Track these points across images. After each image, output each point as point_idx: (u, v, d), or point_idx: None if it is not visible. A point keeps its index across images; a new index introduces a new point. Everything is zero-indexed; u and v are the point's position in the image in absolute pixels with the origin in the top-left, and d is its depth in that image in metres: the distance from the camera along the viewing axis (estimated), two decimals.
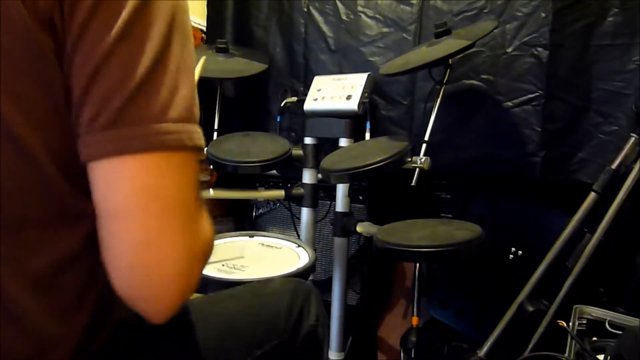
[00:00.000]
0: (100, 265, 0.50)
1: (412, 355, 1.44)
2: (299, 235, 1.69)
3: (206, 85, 1.69)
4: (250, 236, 1.36)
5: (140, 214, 0.43)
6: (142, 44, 0.42)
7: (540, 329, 1.25)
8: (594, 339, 1.08)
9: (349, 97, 1.50)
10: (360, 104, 1.48)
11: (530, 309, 1.28)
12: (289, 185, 1.71)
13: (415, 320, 1.48)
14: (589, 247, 1.22)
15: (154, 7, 0.43)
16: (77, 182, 0.45)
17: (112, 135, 0.42)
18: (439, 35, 1.37)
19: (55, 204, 0.46)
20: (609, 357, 0.95)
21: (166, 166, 0.44)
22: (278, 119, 1.80)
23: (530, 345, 1.25)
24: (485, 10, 1.45)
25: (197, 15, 1.91)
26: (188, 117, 0.45)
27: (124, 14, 0.41)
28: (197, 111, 0.47)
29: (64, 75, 0.43)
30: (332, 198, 1.59)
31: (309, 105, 1.59)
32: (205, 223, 0.49)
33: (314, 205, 1.60)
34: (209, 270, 1.10)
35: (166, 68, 0.44)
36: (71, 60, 0.42)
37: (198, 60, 0.89)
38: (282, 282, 0.81)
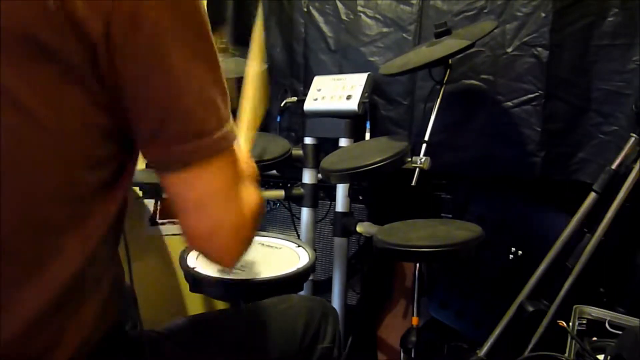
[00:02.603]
0: (107, 269, 0.53)
1: (412, 355, 1.43)
2: (299, 235, 1.69)
3: None
4: None
5: (214, 203, 0.54)
6: (195, 52, 0.50)
7: (540, 329, 1.25)
8: (594, 339, 1.08)
9: (349, 97, 1.50)
10: (360, 104, 1.48)
11: (530, 309, 1.28)
12: (289, 185, 1.71)
13: (415, 320, 1.48)
14: (589, 247, 1.22)
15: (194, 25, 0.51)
16: (90, 159, 0.49)
17: (196, 145, 0.51)
18: (439, 35, 1.37)
19: (70, 210, 0.48)
20: (609, 357, 0.95)
21: (225, 164, 0.54)
22: (278, 119, 1.80)
23: (530, 345, 1.25)
24: (485, 10, 1.45)
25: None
26: (229, 117, 0.55)
27: (178, 49, 0.48)
28: (228, 100, 0.56)
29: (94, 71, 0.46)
30: (332, 198, 1.59)
31: (309, 105, 1.59)
32: (252, 196, 0.60)
33: (314, 205, 1.60)
34: (209, 270, 1.10)
35: (216, 71, 0.54)
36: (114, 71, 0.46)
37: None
38: (298, 300, 0.80)
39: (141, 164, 0.57)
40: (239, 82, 1.89)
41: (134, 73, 0.46)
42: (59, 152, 0.46)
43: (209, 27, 0.52)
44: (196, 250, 0.65)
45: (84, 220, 0.49)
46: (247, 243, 0.60)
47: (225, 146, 0.53)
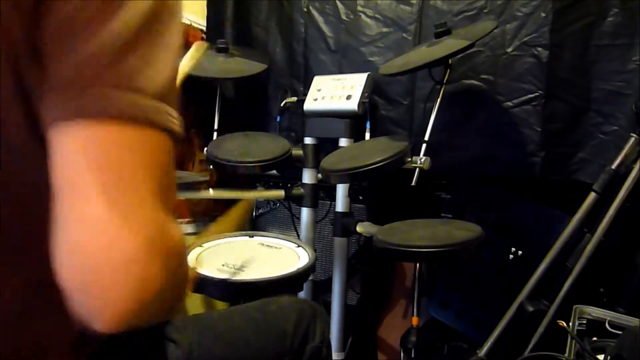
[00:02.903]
0: None
1: (412, 355, 1.44)
2: (299, 235, 1.69)
3: (206, 85, 1.69)
4: (250, 236, 1.36)
5: (104, 187, 0.37)
6: (122, 11, 0.38)
7: (540, 329, 1.25)
8: (594, 339, 1.08)
9: (349, 97, 1.50)
10: (360, 104, 1.48)
11: (530, 309, 1.28)
12: (289, 185, 1.71)
13: (415, 320, 1.48)
14: (589, 247, 1.22)
15: None
16: None
17: (68, 96, 0.37)
18: (439, 35, 1.37)
19: (42, 202, 0.42)
20: (609, 357, 0.96)
21: (127, 140, 0.38)
22: (278, 119, 1.80)
23: (530, 345, 1.25)
24: (485, 10, 1.45)
25: (197, 15, 1.91)
26: (162, 96, 0.40)
27: None
28: (174, 99, 0.43)
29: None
30: (332, 198, 1.59)
31: (309, 105, 1.59)
32: (173, 224, 0.42)
33: (314, 205, 1.60)
34: (209, 270, 1.10)
35: (143, 39, 0.39)
36: (43, 21, 0.38)
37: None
38: (288, 301, 0.81)
39: None
40: (238, 81, 1.90)
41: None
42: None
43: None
44: (62, 280, 0.39)
45: None
46: (149, 290, 0.38)
47: (155, 121, 0.40)
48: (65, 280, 0.38)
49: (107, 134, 0.38)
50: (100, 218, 0.37)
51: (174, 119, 0.42)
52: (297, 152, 1.56)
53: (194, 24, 1.90)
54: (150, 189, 0.40)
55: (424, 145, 1.31)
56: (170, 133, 0.41)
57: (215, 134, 1.64)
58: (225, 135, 1.59)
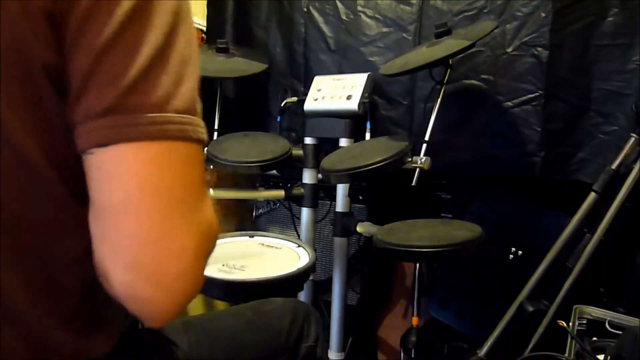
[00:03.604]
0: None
1: (412, 355, 1.44)
2: (299, 235, 1.69)
3: (206, 85, 1.69)
4: (250, 236, 1.36)
5: (142, 209, 0.41)
6: (145, 32, 0.41)
7: (540, 329, 1.25)
8: (594, 339, 1.08)
9: (349, 97, 1.50)
10: (360, 104, 1.48)
11: (530, 309, 1.28)
12: (289, 185, 1.70)
13: (415, 320, 1.48)
14: (589, 247, 1.22)
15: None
16: (77, 188, 0.44)
17: (110, 121, 0.40)
18: (439, 35, 1.37)
19: (54, 210, 0.45)
20: (609, 357, 0.95)
21: (169, 158, 0.42)
22: (278, 119, 1.80)
23: (530, 345, 1.25)
24: (485, 10, 1.45)
25: (197, 15, 1.91)
26: (192, 110, 0.44)
27: (125, 5, 0.40)
28: (200, 107, 0.46)
29: (64, 72, 0.41)
30: (332, 198, 1.59)
31: (309, 105, 1.59)
32: (210, 219, 0.46)
33: (314, 205, 1.60)
34: (209, 270, 1.10)
35: (170, 58, 0.42)
36: (71, 53, 0.40)
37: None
38: (282, 302, 0.81)
39: None
40: (238, 81, 1.90)
41: (72, 26, 0.39)
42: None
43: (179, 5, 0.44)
44: (119, 289, 0.43)
45: (70, 227, 0.47)
46: (197, 287, 0.45)
47: (192, 136, 0.43)
48: (121, 291, 0.43)
49: (155, 154, 0.41)
50: (156, 236, 0.41)
51: (202, 129, 0.44)
52: (297, 152, 1.56)
53: (195, 25, 1.90)
54: (193, 199, 0.44)
55: (424, 145, 1.31)
56: (201, 142, 0.44)
57: (215, 134, 1.64)
58: (225, 135, 1.59)
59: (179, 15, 0.44)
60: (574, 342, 1.07)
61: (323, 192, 1.69)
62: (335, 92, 1.54)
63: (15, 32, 0.39)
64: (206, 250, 0.45)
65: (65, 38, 0.40)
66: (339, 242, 1.52)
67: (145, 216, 0.41)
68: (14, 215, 0.43)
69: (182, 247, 0.42)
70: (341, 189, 1.52)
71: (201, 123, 0.45)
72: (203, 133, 0.44)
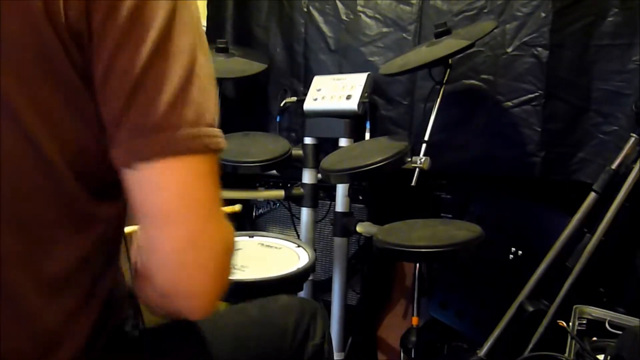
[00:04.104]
0: (107, 269, 0.52)
1: (412, 355, 1.44)
2: (299, 235, 1.69)
3: None
4: (250, 236, 1.36)
5: (186, 216, 0.45)
6: (175, 57, 0.44)
7: (540, 329, 1.25)
8: (594, 339, 1.08)
9: (348, 97, 1.50)
10: (360, 104, 1.48)
11: (530, 309, 1.28)
12: (289, 185, 1.70)
13: (415, 320, 1.48)
14: (589, 247, 1.22)
15: (181, 21, 0.45)
16: (91, 186, 0.47)
17: (157, 138, 0.44)
18: (439, 35, 1.37)
19: (67, 207, 0.47)
20: (609, 357, 0.95)
21: (205, 168, 0.46)
22: (278, 119, 1.80)
23: (530, 345, 1.25)
24: (485, 10, 1.45)
25: None
26: (215, 121, 0.48)
27: (154, 32, 0.43)
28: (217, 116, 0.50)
29: (89, 87, 0.44)
30: (332, 198, 1.59)
31: (309, 105, 1.59)
32: (227, 222, 0.51)
33: (314, 205, 1.60)
34: None
35: (198, 76, 0.46)
36: (104, 80, 0.43)
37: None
38: (288, 299, 0.81)
39: None
40: (238, 81, 1.90)
41: (104, 53, 0.43)
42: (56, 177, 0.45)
43: (197, 23, 0.48)
44: (163, 289, 0.49)
45: (81, 223, 0.49)
46: (227, 282, 0.50)
47: (203, 147, 0.46)
48: (166, 291, 0.48)
49: (192, 166, 0.45)
50: (196, 240, 0.46)
51: (222, 138, 0.49)
52: (297, 152, 1.56)
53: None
54: (219, 204, 0.49)
55: (424, 145, 1.31)
56: (221, 152, 0.49)
57: None
58: (225, 135, 1.58)
59: (199, 33, 0.47)
60: (574, 342, 1.07)
61: (323, 192, 1.69)
62: (335, 92, 1.54)
63: (43, 42, 0.41)
64: (232, 250, 0.51)
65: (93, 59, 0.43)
66: (339, 242, 1.52)
67: (189, 222, 0.46)
68: (27, 211, 0.45)
69: (217, 249, 0.48)
70: (341, 189, 1.52)
71: (221, 133, 0.48)
72: (224, 143, 0.48)
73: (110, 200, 0.50)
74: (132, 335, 0.61)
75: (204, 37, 0.49)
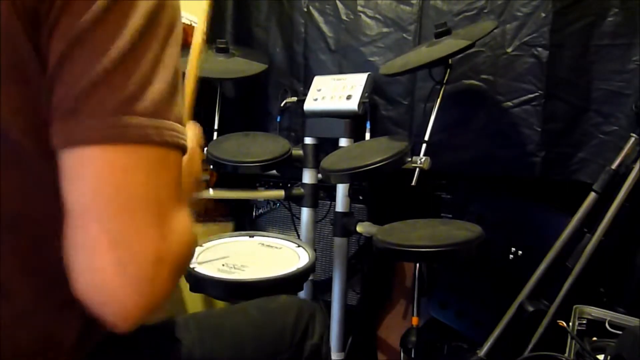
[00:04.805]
0: None
1: (412, 355, 1.44)
2: (299, 235, 1.69)
3: (206, 85, 1.69)
4: (250, 236, 1.36)
5: (102, 212, 0.40)
6: (115, 33, 0.40)
7: (540, 329, 1.25)
8: (594, 339, 1.08)
9: (349, 97, 1.50)
10: (360, 104, 1.48)
11: (530, 309, 1.28)
12: (289, 185, 1.71)
13: (415, 320, 1.48)
14: (589, 247, 1.22)
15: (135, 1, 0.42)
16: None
17: (72, 124, 0.40)
18: (439, 35, 1.37)
19: (51, 203, 0.45)
20: (609, 357, 0.96)
21: (130, 161, 0.41)
22: (278, 119, 1.80)
23: (530, 345, 1.25)
24: (485, 10, 1.45)
25: (197, 15, 1.90)
26: (159, 113, 0.42)
27: (101, 2, 0.40)
28: (176, 109, 0.45)
29: (44, 66, 0.41)
30: (332, 198, 1.59)
31: (309, 105, 1.59)
32: (183, 226, 0.46)
33: (314, 205, 1.60)
34: (209, 270, 1.10)
35: (137, 61, 0.41)
36: (47, 48, 0.40)
37: (184, 64, 0.87)
38: (287, 299, 0.81)
39: None
40: (238, 81, 1.90)
41: (61, 43, 0.40)
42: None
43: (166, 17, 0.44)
44: (78, 293, 0.42)
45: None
46: (162, 294, 0.43)
47: (156, 139, 0.42)
48: (80, 295, 0.42)
49: (116, 157, 0.41)
50: (118, 239, 0.41)
51: (176, 132, 0.44)
52: (297, 152, 1.56)
53: (194, 24, 1.90)
54: (158, 204, 0.43)
55: (424, 145, 1.31)
56: (173, 146, 0.44)
57: (215, 134, 1.64)
58: (225, 135, 1.59)
59: (157, 18, 0.43)
60: (574, 342, 1.07)
61: (323, 192, 1.69)
62: (335, 92, 1.54)
63: (8, 29, 0.39)
64: (175, 258, 0.44)
65: (43, 32, 0.40)
66: (339, 242, 1.52)
67: (107, 219, 0.40)
68: (15, 211, 0.44)
69: (144, 252, 0.41)
70: (341, 189, 1.52)
71: (172, 126, 0.43)
72: (173, 136, 0.43)
73: None
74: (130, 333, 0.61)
75: (172, 26, 0.45)
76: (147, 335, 0.61)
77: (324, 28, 1.71)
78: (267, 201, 1.86)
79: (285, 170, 1.73)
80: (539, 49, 1.37)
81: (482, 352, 1.30)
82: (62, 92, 0.40)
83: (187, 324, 0.69)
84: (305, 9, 1.73)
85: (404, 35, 1.57)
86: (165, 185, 0.43)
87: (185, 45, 0.61)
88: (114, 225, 0.41)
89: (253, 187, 1.85)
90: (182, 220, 0.46)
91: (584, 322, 1.11)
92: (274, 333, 0.73)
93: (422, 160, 1.26)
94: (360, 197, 1.67)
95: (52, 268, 0.46)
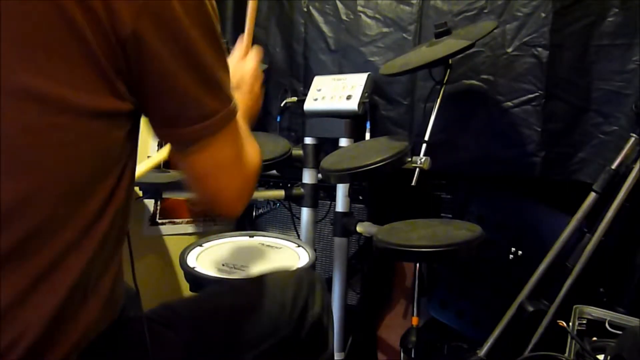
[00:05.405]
0: (107, 270, 0.54)
1: (412, 355, 1.44)
2: (299, 235, 1.69)
3: None
4: (250, 236, 1.36)
5: (221, 171, 0.64)
6: (197, 57, 0.55)
7: (540, 329, 1.25)
8: (594, 339, 1.08)
9: (349, 97, 1.50)
10: (360, 104, 1.48)
11: (530, 309, 1.28)
12: (289, 185, 1.71)
13: (415, 320, 1.48)
14: (589, 247, 1.22)
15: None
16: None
17: (197, 127, 0.58)
18: (439, 35, 1.37)
19: (70, 209, 0.49)
20: (609, 357, 0.96)
21: (229, 136, 0.62)
22: (278, 119, 1.80)
23: (530, 345, 1.25)
24: (485, 10, 1.45)
25: None
26: (231, 96, 0.62)
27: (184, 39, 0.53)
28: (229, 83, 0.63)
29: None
30: (332, 198, 1.59)
31: (309, 105, 1.59)
32: (251, 155, 0.69)
33: (314, 205, 1.60)
34: (209, 270, 1.10)
35: (220, 51, 0.58)
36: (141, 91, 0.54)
37: None
38: (285, 274, 0.80)
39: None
40: None
41: (160, 69, 0.52)
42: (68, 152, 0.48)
43: (215, 16, 0.57)
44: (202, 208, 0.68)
45: (85, 221, 0.50)
46: (248, 198, 0.71)
47: (227, 122, 0.60)
48: (204, 206, 0.68)
49: (218, 141, 0.61)
50: (223, 183, 0.65)
51: (236, 104, 0.63)
52: (297, 152, 1.56)
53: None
54: (241, 153, 0.66)
55: (424, 145, 1.31)
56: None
57: None
58: None
59: (213, 31, 0.57)
60: (574, 342, 1.07)
61: (323, 192, 1.69)
62: (335, 92, 1.55)
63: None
64: (253, 177, 0.70)
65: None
66: (339, 242, 1.52)
67: (220, 177, 0.64)
68: (20, 201, 0.46)
69: (239, 181, 0.67)
70: (341, 189, 1.52)
71: (234, 99, 0.62)
72: (236, 105, 0.63)
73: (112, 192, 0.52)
74: (122, 323, 0.61)
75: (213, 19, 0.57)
76: (143, 326, 0.61)
77: (324, 28, 1.71)
78: (267, 201, 1.86)
79: (285, 170, 1.73)
80: (539, 49, 1.37)
81: (482, 352, 1.29)
82: (172, 106, 0.57)
83: (182, 310, 0.68)
84: (305, 9, 1.73)
85: (404, 35, 1.57)
86: (239, 139, 0.65)
87: None
88: (227, 177, 0.65)
89: None
90: (249, 150, 0.68)
91: (584, 322, 1.11)
92: (273, 309, 0.72)
93: (422, 160, 1.26)
94: (360, 197, 1.67)
95: (45, 270, 0.47)
